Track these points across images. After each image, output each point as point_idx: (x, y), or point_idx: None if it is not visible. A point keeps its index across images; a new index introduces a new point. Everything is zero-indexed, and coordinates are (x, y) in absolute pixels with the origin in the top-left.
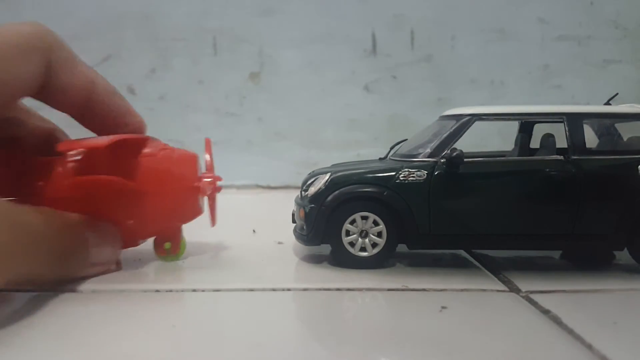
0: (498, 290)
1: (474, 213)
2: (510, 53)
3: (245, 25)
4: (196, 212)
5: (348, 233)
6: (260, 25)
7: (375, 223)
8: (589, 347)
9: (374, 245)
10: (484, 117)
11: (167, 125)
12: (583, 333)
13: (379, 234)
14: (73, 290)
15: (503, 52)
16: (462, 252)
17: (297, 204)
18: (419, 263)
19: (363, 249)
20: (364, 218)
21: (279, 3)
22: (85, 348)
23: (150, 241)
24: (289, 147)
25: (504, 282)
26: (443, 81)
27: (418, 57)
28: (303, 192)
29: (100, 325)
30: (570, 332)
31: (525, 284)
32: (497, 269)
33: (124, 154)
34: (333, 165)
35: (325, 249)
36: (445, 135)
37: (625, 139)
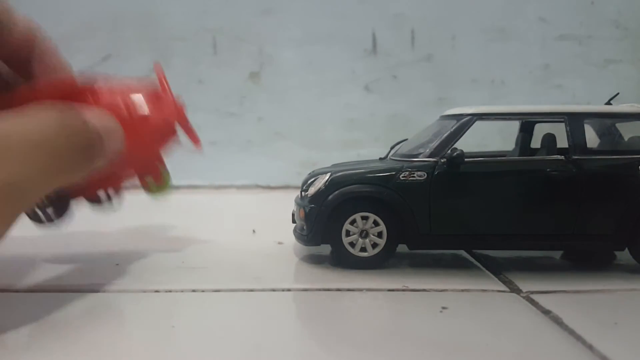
0: (499, 291)
1: (474, 213)
2: (510, 53)
3: (245, 25)
4: (166, 135)
5: (348, 233)
6: (260, 25)
7: (376, 223)
8: (590, 347)
9: (374, 245)
10: (485, 116)
11: None
12: (584, 333)
13: (379, 234)
14: (73, 290)
15: (504, 51)
16: (463, 253)
17: (297, 204)
18: (419, 263)
19: (363, 249)
20: (364, 218)
21: (279, 3)
22: (85, 348)
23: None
24: (289, 147)
25: (504, 282)
26: (443, 81)
27: (418, 57)
28: (303, 192)
29: (100, 325)
30: (571, 332)
31: (526, 284)
32: (498, 269)
33: (85, 96)
34: (333, 165)
35: (325, 249)
36: (445, 135)
37: (626, 138)
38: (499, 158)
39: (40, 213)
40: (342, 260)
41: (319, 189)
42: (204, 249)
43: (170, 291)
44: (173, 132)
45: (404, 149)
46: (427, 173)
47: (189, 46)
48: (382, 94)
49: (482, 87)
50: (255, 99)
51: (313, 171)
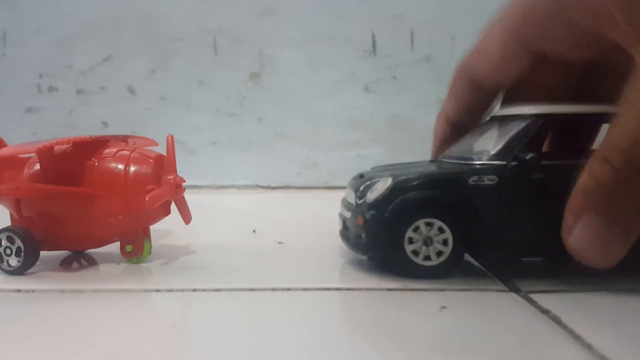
0: (498, 290)
1: (548, 222)
2: None
3: (245, 25)
4: (157, 214)
5: (411, 241)
6: (260, 25)
7: (440, 230)
8: (589, 347)
9: (439, 253)
10: (552, 117)
11: (168, 126)
12: (583, 333)
13: (444, 242)
14: (73, 290)
15: None
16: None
17: (352, 210)
18: None
19: (427, 258)
20: (428, 225)
21: (279, 3)
22: (85, 347)
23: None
24: (289, 147)
25: (503, 282)
26: (443, 81)
27: (418, 58)
28: (358, 199)
29: (100, 325)
30: (570, 331)
31: (525, 283)
32: (497, 269)
33: (75, 156)
34: (383, 168)
35: (325, 249)
36: (511, 135)
37: None
38: (578, 160)
39: (4, 260)
40: (404, 269)
41: (382, 194)
42: (205, 249)
43: (171, 290)
44: (167, 212)
45: (456, 151)
46: (497, 177)
47: (190, 47)
48: (381, 94)
49: None
50: (256, 100)
51: (363, 174)
